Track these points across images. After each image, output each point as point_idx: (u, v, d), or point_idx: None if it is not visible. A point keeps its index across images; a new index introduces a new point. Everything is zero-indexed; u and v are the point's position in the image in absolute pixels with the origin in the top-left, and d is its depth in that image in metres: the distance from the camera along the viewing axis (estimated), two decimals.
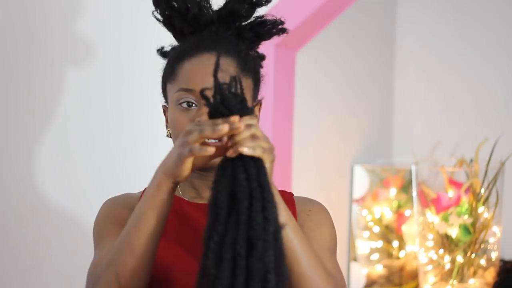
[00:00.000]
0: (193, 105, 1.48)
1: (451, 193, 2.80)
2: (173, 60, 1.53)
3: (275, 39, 1.62)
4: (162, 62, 1.58)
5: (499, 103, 3.42)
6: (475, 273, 2.80)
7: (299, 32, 2.70)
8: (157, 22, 1.59)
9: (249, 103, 1.51)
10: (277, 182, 2.73)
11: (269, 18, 1.57)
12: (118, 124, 2.60)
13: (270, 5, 1.59)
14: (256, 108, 1.57)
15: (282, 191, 1.59)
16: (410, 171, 3.02)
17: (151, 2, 1.57)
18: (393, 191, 3.31)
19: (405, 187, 3.31)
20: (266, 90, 2.56)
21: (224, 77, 1.46)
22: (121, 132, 2.61)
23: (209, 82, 1.45)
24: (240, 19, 1.55)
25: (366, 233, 3.29)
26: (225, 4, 1.55)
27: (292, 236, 1.35)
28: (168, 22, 1.57)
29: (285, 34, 1.60)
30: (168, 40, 1.61)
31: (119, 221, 1.49)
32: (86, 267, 1.46)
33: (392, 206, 3.30)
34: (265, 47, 1.63)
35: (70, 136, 2.56)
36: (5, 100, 2.52)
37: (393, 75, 3.60)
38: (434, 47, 3.56)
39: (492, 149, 2.87)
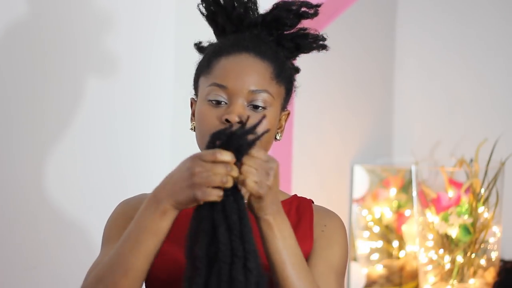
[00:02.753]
0: (223, 103, 1.47)
1: (451, 193, 2.80)
2: (211, 54, 1.52)
3: None
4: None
5: (499, 103, 3.42)
6: (475, 273, 2.80)
7: None
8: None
9: (278, 112, 1.52)
10: None
11: (312, 32, 1.58)
12: (122, 129, 2.60)
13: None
14: (283, 118, 1.56)
15: (301, 197, 1.59)
16: (410, 171, 3.02)
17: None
18: (393, 191, 3.31)
19: (405, 187, 3.31)
20: None
21: (258, 80, 1.47)
22: (124, 136, 2.61)
23: (242, 81, 1.47)
24: (283, 27, 1.55)
25: (366, 233, 3.29)
26: (271, 10, 1.55)
27: (288, 262, 1.35)
28: (212, 18, 1.57)
29: (324, 51, 1.60)
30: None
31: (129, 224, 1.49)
32: (85, 267, 1.46)
33: (392, 206, 3.30)
34: None
35: (74, 138, 2.55)
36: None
37: (393, 75, 3.60)
38: (434, 47, 3.56)
39: (492, 149, 2.87)
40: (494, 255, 2.84)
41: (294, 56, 1.61)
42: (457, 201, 2.78)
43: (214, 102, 1.47)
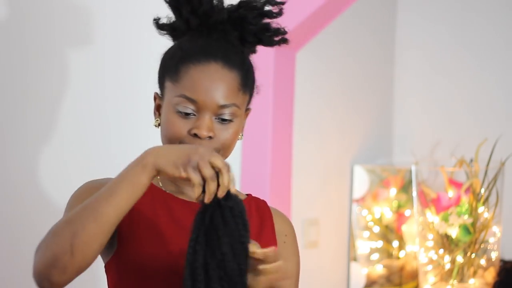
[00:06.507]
0: (192, 114, 1.48)
1: (451, 193, 2.80)
2: (179, 59, 1.50)
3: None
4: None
5: (499, 104, 3.42)
6: (475, 273, 2.80)
7: (299, 32, 2.70)
8: (157, 13, 1.57)
9: (243, 118, 1.54)
10: (277, 182, 2.73)
11: (273, 25, 1.56)
12: (119, 122, 2.60)
13: None
14: (244, 116, 1.56)
15: (256, 198, 1.61)
16: (410, 171, 3.02)
17: None
18: (393, 191, 3.31)
19: (405, 187, 3.31)
20: (266, 90, 2.57)
21: (227, 94, 1.48)
22: (122, 130, 2.61)
23: (212, 96, 1.47)
24: (248, 26, 1.54)
25: (366, 233, 3.28)
26: (237, 8, 1.54)
27: None
28: (175, 6, 1.54)
29: (285, 45, 1.59)
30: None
31: None
32: None
33: (392, 206, 3.30)
34: (265, 47, 1.62)
35: (71, 136, 2.56)
36: (4, 98, 2.52)
37: (393, 75, 3.60)
38: (434, 47, 3.56)
39: (492, 149, 2.87)
40: (494, 255, 2.84)
41: (255, 47, 1.59)
42: (457, 201, 2.78)
43: (183, 113, 1.48)
